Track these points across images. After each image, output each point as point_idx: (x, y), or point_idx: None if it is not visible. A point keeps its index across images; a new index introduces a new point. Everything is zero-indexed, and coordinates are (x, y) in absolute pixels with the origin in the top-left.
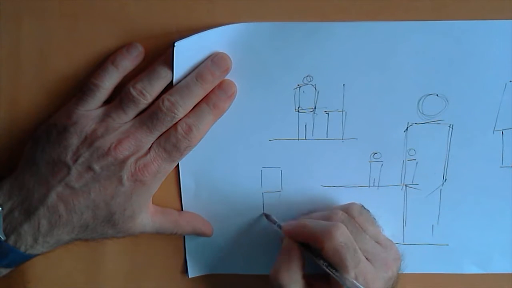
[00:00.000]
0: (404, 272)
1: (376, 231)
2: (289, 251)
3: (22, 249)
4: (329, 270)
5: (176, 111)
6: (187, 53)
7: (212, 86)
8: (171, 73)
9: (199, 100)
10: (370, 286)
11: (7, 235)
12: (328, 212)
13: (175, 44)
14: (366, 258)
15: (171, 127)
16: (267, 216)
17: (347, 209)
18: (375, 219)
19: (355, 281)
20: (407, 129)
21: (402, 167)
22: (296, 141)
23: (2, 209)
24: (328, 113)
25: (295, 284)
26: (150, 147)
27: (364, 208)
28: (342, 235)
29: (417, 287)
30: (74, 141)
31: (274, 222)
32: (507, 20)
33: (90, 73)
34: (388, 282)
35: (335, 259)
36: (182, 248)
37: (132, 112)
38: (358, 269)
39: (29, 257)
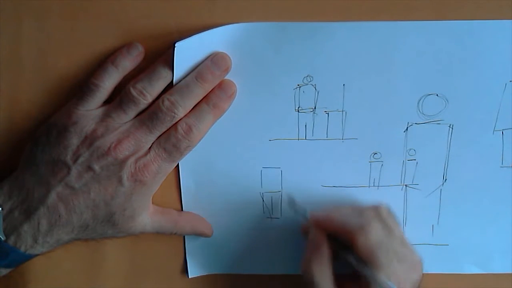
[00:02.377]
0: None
1: (402, 234)
2: (318, 243)
3: (22, 249)
4: (361, 266)
5: (176, 110)
6: (187, 53)
7: (212, 86)
8: (171, 73)
9: (199, 100)
10: (401, 286)
11: (7, 235)
12: (358, 208)
13: (175, 45)
14: (396, 259)
15: (171, 127)
16: (292, 203)
17: (376, 209)
18: (398, 223)
19: (385, 279)
20: (407, 129)
21: (402, 167)
22: (296, 141)
23: (2, 209)
24: (328, 113)
25: (326, 279)
26: (150, 147)
27: (391, 210)
28: (376, 233)
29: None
30: (74, 141)
31: (298, 211)
32: (507, 20)
33: (90, 73)
34: (415, 284)
35: (368, 256)
36: (182, 248)
37: (132, 112)
38: (390, 269)
39: (29, 257)
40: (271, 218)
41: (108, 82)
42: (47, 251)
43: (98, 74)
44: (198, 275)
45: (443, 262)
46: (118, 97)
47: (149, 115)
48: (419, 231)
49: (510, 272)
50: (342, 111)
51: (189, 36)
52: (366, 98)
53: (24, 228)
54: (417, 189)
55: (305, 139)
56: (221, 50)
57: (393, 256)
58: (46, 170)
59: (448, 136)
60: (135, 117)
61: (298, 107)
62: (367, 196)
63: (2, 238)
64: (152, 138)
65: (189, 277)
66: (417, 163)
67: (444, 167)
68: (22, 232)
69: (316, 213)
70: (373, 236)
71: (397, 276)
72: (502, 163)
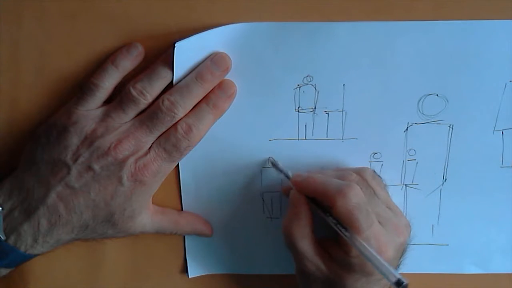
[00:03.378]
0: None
1: (387, 197)
2: (298, 204)
3: (22, 249)
4: (339, 229)
5: (176, 110)
6: (187, 53)
7: (212, 85)
8: (171, 73)
9: (199, 100)
10: (382, 249)
11: (7, 235)
12: (341, 171)
13: (175, 45)
14: (378, 222)
15: (171, 127)
16: (274, 164)
17: (359, 171)
18: (386, 185)
19: (364, 243)
20: (407, 129)
21: (402, 167)
22: (296, 141)
23: (2, 209)
24: (328, 113)
25: (305, 238)
26: (150, 147)
27: (376, 173)
28: (356, 196)
29: (417, 287)
30: (74, 141)
31: (281, 171)
32: (507, 20)
33: (90, 73)
34: (400, 248)
35: (347, 219)
36: (182, 248)
37: (132, 112)
38: (370, 231)
39: (29, 257)
40: (271, 218)
41: (108, 82)
42: (47, 251)
43: (98, 74)
44: (198, 275)
45: (443, 262)
46: (118, 97)
47: (149, 115)
48: (419, 231)
49: (510, 272)
50: (342, 111)
51: (189, 36)
52: (366, 98)
53: (24, 228)
54: (417, 189)
55: (305, 139)
56: (221, 50)
57: (374, 219)
58: (46, 170)
59: (448, 136)
60: (135, 117)
61: (298, 107)
62: None
63: (2, 238)
64: (152, 138)
65: (189, 277)
66: (417, 163)
67: (444, 167)
68: (22, 232)
69: (298, 175)
70: (352, 199)
71: (377, 239)
72: (502, 163)
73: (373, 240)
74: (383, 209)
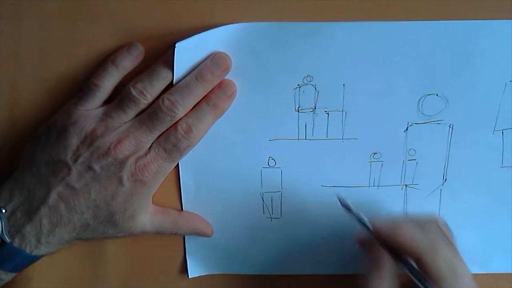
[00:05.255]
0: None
1: (455, 248)
2: (382, 260)
3: (28, 250)
4: (427, 284)
5: (176, 110)
6: (188, 53)
7: (212, 85)
8: (172, 73)
9: (199, 99)
10: None
11: (11, 237)
12: (420, 222)
13: (175, 45)
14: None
15: (171, 126)
16: (347, 206)
17: (437, 223)
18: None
19: None
20: (407, 129)
21: (402, 167)
22: (296, 141)
23: (5, 211)
24: (328, 113)
25: None
26: (150, 147)
27: (446, 223)
28: (444, 254)
29: None
30: (74, 140)
31: (356, 216)
32: (507, 20)
33: (90, 73)
34: None
35: (436, 276)
36: (182, 248)
37: (132, 112)
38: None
39: (35, 258)
40: (271, 218)
41: (108, 82)
42: (51, 252)
43: (98, 74)
44: (198, 275)
45: None
46: (118, 97)
47: (149, 114)
48: None
49: (510, 272)
50: (342, 111)
51: (189, 36)
52: (366, 98)
53: (27, 229)
54: (417, 189)
55: (305, 139)
56: (221, 50)
57: (457, 274)
58: (46, 170)
59: (448, 136)
60: (135, 117)
61: (298, 107)
62: (367, 196)
63: (8, 241)
64: (152, 138)
65: (189, 277)
66: (417, 163)
67: (444, 167)
68: (26, 233)
69: (379, 225)
70: (442, 256)
71: None
72: (502, 163)
73: None
74: (458, 261)
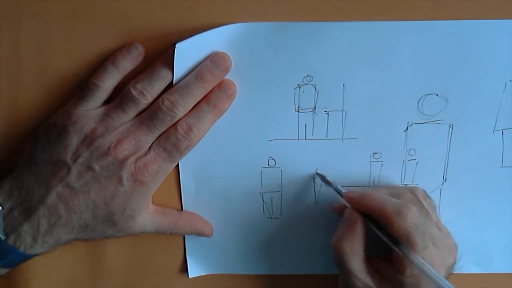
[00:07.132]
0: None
1: (437, 218)
2: (353, 221)
3: (22, 249)
4: (397, 247)
5: (176, 110)
6: (188, 53)
7: (212, 85)
8: (172, 73)
9: (199, 99)
10: (436, 270)
11: (6, 235)
12: (394, 189)
13: (175, 46)
14: (432, 243)
15: (171, 126)
16: (324, 179)
17: (413, 190)
18: (435, 205)
19: (423, 260)
20: (407, 129)
21: (402, 167)
22: (296, 141)
23: (2, 208)
24: (328, 113)
25: (356, 256)
26: (150, 147)
27: (427, 194)
28: (413, 217)
29: None
30: (73, 140)
31: (332, 186)
32: (507, 20)
33: (90, 73)
34: (449, 268)
35: (404, 238)
36: (182, 248)
37: (132, 112)
38: (426, 252)
39: (29, 257)
40: (271, 218)
41: (108, 82)
42: (46, 251)
43: (98, 74)
44: (198, 275)
45: None
46: (118, 97)
47: (149, 114)
48: None
49: (510, 272)
50: (342, 111)
51: (189, 37)
52: (366, 98)
53: (24, 228)
54: None
55: (305, 139)
56: (221, 50)
57: (429, 240)
58: (46, 170)
59: (448, 136)
60: (135, 117)
61: (298, 107)
62: None
63: (2, 238)
64: (152, 137)
65: (189, 277)
66: (417, 163)
67: (444, 167)
68: (22, 232)
69: (352, 193)
70: (411, 219)
71: (432, 260)
72: (502, 163)
73: (428, 260)
74: (435, 230)
